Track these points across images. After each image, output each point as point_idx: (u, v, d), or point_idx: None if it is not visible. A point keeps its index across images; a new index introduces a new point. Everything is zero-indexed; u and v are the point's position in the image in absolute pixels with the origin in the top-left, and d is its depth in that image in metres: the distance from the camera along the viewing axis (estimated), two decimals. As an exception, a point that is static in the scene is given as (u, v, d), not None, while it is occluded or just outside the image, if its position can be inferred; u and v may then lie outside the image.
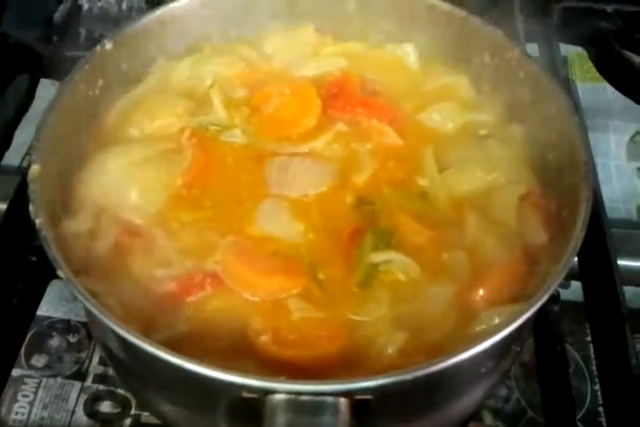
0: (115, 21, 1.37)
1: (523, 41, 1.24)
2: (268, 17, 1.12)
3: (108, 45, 0.99)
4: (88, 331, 1.18)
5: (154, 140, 1.00)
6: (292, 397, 0.70)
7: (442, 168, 0.97)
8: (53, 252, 0.79)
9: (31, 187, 0.84)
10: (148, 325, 0.82)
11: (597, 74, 1.43)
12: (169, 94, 1.05)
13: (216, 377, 0.70)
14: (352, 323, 0.84)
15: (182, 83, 1.07)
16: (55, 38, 1.31)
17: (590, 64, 1.47)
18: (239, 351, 0.81)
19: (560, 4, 1.34)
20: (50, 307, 1.21)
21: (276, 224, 0.92)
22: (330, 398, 0.70)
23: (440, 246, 0.90)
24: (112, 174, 0.94)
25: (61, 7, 1.36)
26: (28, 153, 1.44)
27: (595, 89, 1.54)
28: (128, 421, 1.10)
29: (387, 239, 0.90)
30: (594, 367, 1.15)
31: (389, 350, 0.81)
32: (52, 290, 1.19)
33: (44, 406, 1.11)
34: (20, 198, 1.08)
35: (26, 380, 1.13)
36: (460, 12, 1.05)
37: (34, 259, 1.09)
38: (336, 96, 1.03)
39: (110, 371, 1.14)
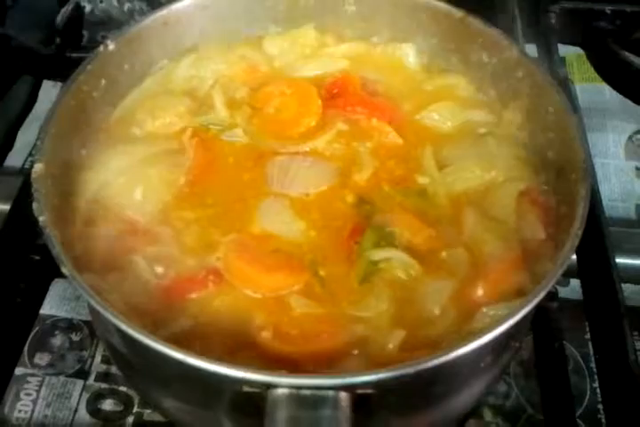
0: (116, 24, 1.38)
1: (521, 41, 1.25)
2: (268, 18, 1.13)
3: (111, 46, 1.00)
4: (91, 329, 1.19)
5: (156, 139, 1.01)
6: (294, 391, 0.70)
7: (441, 166, 0.98)
8: (57, 249, 0.79)
9: (35, 185, 0.84)
10: (151, 321, 0.83)
11: (595, 74, 1.43)
12: (171, 94, 1.06)
13: (218, 372, 0.71)
14: (353, 319, 0.85)
15: (184, 83, 1.08)
16: (57, 40, 1.32)
17: (588, 64, 1.48)
18: (241, 347, 0.82)
19: (558, 4, 1.34)
20: (52, 306, 1.21)
21: (278, 222, 0.93)
22: (331, 393, 0.70)
23: (439, 244, 0.90)
24: (115, 173, 0.95)
25: (64, 10, 1.37)
26: (30, 154, 1.44)
27: (593, 89, 1.54)
28: (130, 419, 1.10)
29: (387, 237, 0.90)
30: (592, 365, 1.15)
31: (389, 346, 0.82)
32: (55, 289, 1.20)
33: (47, 405, 1.12)
34: (23, 199, 1.10)
35: (29, 378, 1.14)
36: (459, 13, 1.05)
37: (37, 258, 1.09)
38: (336, 96, 1.04)
39: (113, 369, 1.14)
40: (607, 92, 1.52)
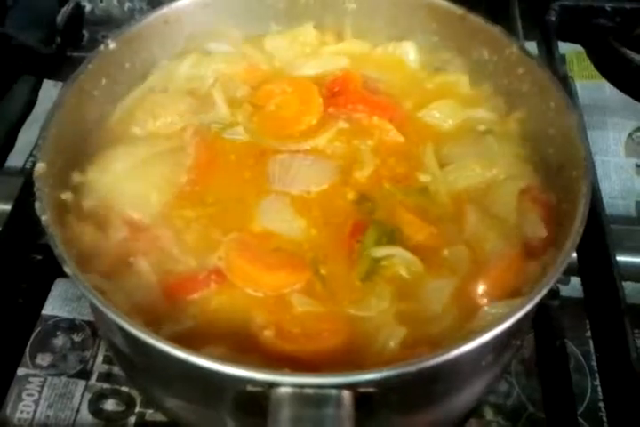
0: (117, 23, 1.38)
1: (521, 39, 1.25)
2: (269, 16, 1.13)
3: (112, 45, 1.00)
4: (92, 330, 1.19)
5: (157, 138, 1.01)
6: (297, 390, 0.70)
7: (442, 164, 0.98)
8: (59, 248, 0.79)
9: (37, 185, 0.84)
10: (153, 320, 0.83)
11: (595, 71, 1.43)
12: (172, 93, 1.06)
13: (221, 371, 0.71)
14: (354, 317, 0.85)
15: (185, 82, 1.08)
16: (58, 40, 1.32)
17: (588, 61, 1.47)
18: (243, 346, 0.82)
19: (558, 1, 1.34)
20: (54, 306, 1.21)
21: (279, 220, 0.93)
22: (333, 391, 0.71)
23: (441, 241, 0.90)
24: (116, 172, 0.95)
25: (64, 9, 1.37)
26: (31, 154, 1.44)
27: (593, 86, 1.54)
28: (133, 419, 1.10)
29: (388, 235, 0.90)
30: (593, 363, 1.15)
31: (391, 344, 0.82)
32: (57, 289, 1.20)
33: (49, 405, 1.12)
34: (24, 199, 1.10)
35: (31, 379, 1.14)
36: (459, 10, 1.06)
37: (39, 258, 1.09)
38: (337, 94, 1.04)
39: (114, 369, 1.14)
40: (607, 90, 1.52)
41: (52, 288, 1.18)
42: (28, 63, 1.32)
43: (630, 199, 1.40)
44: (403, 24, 1.11)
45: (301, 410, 0.70)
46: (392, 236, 0.90)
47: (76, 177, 0.95)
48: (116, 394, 1.13)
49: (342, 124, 1.01)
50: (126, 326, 0.75)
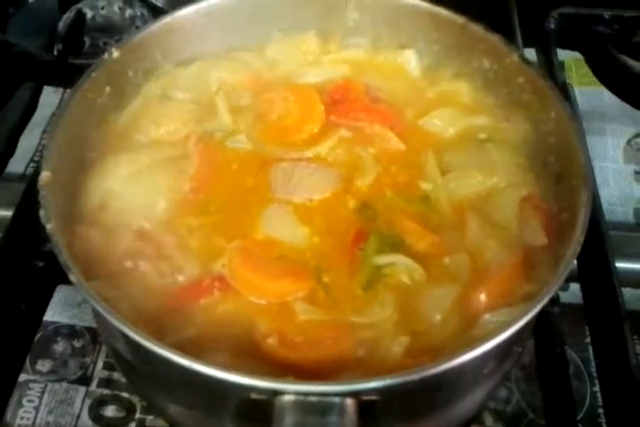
0: (118, 30, 1.38)
1: (521, 46, 1.26)
2: (271, 24, 1.13)
3: (115, 54, 1.00)
4: (93, 336, 1.19)
5: (161, 145, 1.01)
6: (300, 397, 0.71)
7: (443, 172, 0.98)
8: (64, 256, 0.80)
9: (42, 193, 0.85)
10: (157, 328, 0.83)
11: (594, 78, 1.44)
12: (175, 101, 1.06)
13: (226, 379, 0.72)
14: (357, 325, 0.85)
15: (188, 90, 1.08)
16: (59, 47, 1.32)
17: (587, 68, 1.48)
18: (246, 353, 0.82)
19: (557, 9, 1.35)
20: (55, 312, 1.21)
21: (282, 229, 0.93)
22: (337, 399, 0.71)
23: (442, 249, 0.91)
24: (120, 180, 0.95)
25: (65, 16, 1.37)
26: (32, 160, 1.44)
27: (592, 93, 1.54)
28: (133, 425, 1.10)
29: (390, 243, 0.91)
30: (593, 369, 1.15)
31: (393, 352, 0.82)
32: (57, 295, 1.20)
33: (50, 411, 1.11)
34: (26, 204, 1.10)
35: (31, 385, 1.13)
36: (460, 19, 1.06)
37: (41, 264, 1.09)
38: (339, 102, 1.05)
39: (115, 375, 1.14)
40: (606, 96, 1.52)
41: (53, 294, 1.18)
42: (30, 70, 1.32)
43: (629, 206, 1.40)
44: (404, 33, 1.12)
45: (305, 418, 0.71)
46: (394, 244, 0.91)
47: (81, 185, 0.95)
48: (116, 400, 1.13)
49: (344, 133, 1.02)
50: (131, 333, 0.75)
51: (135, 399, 1.12)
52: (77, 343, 1.19)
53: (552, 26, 1.33)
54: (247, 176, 0.99)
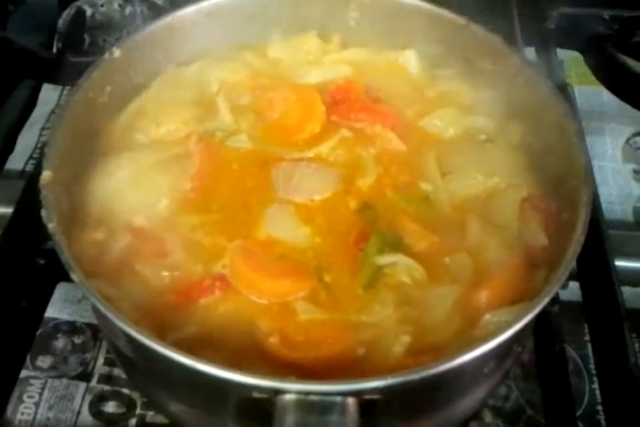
0: (117, 28, 1.38)
1: (521, 46, 1.26)
2: (272, 24, 1.14)
3: (116, 53, 1.01)
4: (93, 332, 1.19)
5: (162, 145, 1.01)
6: (302, 397, 0.71)
7: (444, 173, 0.99)
8: (66, 256, 0.80)
9: (43, 192, 0.85)
10: (159, 327, 0.83)
11: (593, 77, 1.44)
12: (176, 101, 1.06)
13: (227, 378, 0.72)
14: (358, 325, 0.86)
15: (189, 89, 1.08)
16: (59, 44, 1.32)
17: (586, 67, 1.48)
18: (248, 353, 0.83)
19: (557, 9, 1.35)
20: (55, 308, 1.21)
21: (283, 228, 0.94)
22: (338, 398, 0.71)
23: (443, 250, 0.91)
24: (121, 179, 0.96)
25: (65, 13, 1.37)
26: (31, 156, 1.44)
27: (591, 92, 1.54)
28: (133, 421, 1.10)
29: (391, 243, 0.91)
30: (592, 366, 1.15)
31: (394, 352, 0.83)
32: (58, 292, 1.20)
33: (50, 407, 1.11)
34: (26, 202, 1.10)
35: (31, 381, 1.13)
36: (461, 20, 1.06)
37: (42, 262, 1.10)
38: (340, 102, 1.05)
39: (115, 371, 1.14)
40: (605, 95, 1.52)
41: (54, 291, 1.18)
42: (29, 67, 1.32)
43: (628, 205, 1.41)
44: (405, 33, 1.12)
45: (306, 417, 0.71)
46: (395, 244, 0.91)
47: (82, 184, 0.95)
48: (116, 396, 1.13)
49: (345, 133, 1.02)
50: (132, 332, 0.75)
51: (135, 395, 1.12)
52: (78, 340, 1.19)
53: (552, 26, 1.33)
54: (248, 176, 0.99)
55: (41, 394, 1.13)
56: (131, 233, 0.92)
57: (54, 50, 1.33)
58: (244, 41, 1.13)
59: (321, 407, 0.71)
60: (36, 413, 1.11)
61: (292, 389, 0.71)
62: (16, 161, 1.43)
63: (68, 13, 1.36)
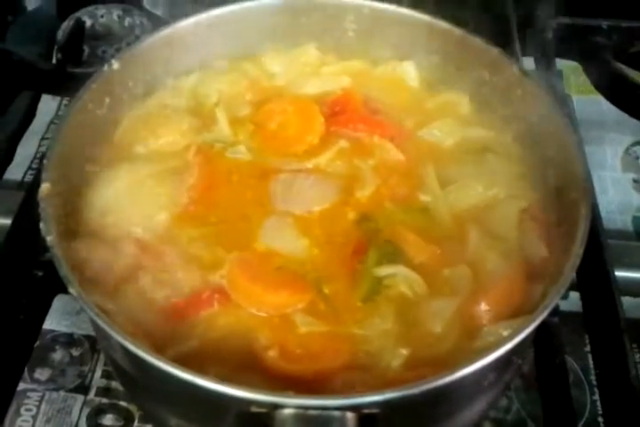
0: (117, 38, 1.39)
1: (519, 57, 1.26)
2: (270, 36, 1.14)
3: (116, 65, 1.00)
4: (91, 344, 1.18)
5: (160, 157, 1.01)
6: (300, 411, 0.71)
7: (443, 184, 0.98)
8: (65, 269, 0.80)
9: (42, 205, 0.85)
10: (157, 340, 0.83)
11: (592, 87, 1.44)
12: (174, 112, 1.06)
13: (226, 392, 0.72)
14: (357, 337, 0.85)
15: (187, 101, 1.08)
16: (58, 55, 1.32)
17: (585, 76, 1.48)
18: (247, 366, 0.83)
19: (556, 19, 1.35)
20: (53, 321, 1.20)
21: (281, 240, 0.93)
22: (337, 413, 0.71)
23: (442, 261, 0.91)
24: (119, 191, 0.96)
25: (64, 24, 1.37)
26: (30, 167, 1.44)
27: (590, 101, 1.54)
28: (131, 433, 1.10)
29: (390, 254, 0.91)
30: (593, 377, 1.15)
31: (394, 364, 0.83)
32: (56, 303, 1.19)
33: (48, 420, 1.11)
34: (25, 213, 1.10)
35: (29, 393, 1.13)
36: (459, 31, 1.06)
37: (40, 273, 1.09)
38: (338, 113, 1.05)
39: (113, 384, 1.14)
40: (604, 105, 1.51)
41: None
42: (29, 79, 1.32)
43: (627, 214, 1.40)
44: (403, 44, 1.12)
45: (305, 431, 0.71)
46: (394, 255, 0.91)
47: (80, 196, 0.95)
48: (114, 409, 1.12)
49: (343, 144, 1.02)
50: (130, 346, 0.75)
51: (133, 408, 1.12)
52: (75, 352, 1.19)
53: (550, 36, 1.33)
54: (247, 187, 0.99)
55: (38, 407, 1.12)
56: (129, 245, 0.91)
57: (53, 61, 1.32)
58: (243, 52, 1.13)
59: (320, 422, 0.71)
60: (33, 426, 1.10)
61: (291, 403, 0.71)
62: (15, 171, 1.43)
63: (67, 24, 1.36)
